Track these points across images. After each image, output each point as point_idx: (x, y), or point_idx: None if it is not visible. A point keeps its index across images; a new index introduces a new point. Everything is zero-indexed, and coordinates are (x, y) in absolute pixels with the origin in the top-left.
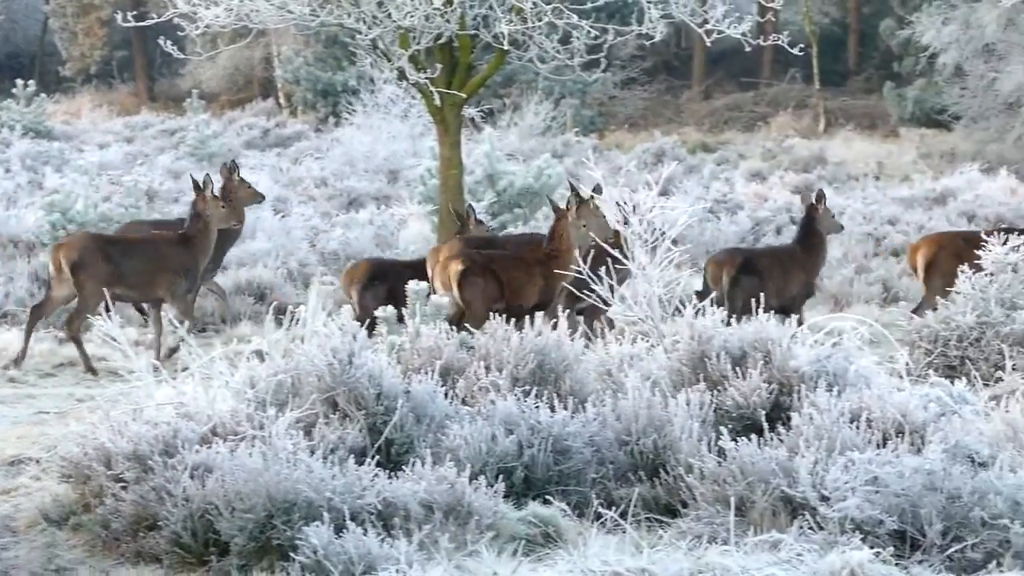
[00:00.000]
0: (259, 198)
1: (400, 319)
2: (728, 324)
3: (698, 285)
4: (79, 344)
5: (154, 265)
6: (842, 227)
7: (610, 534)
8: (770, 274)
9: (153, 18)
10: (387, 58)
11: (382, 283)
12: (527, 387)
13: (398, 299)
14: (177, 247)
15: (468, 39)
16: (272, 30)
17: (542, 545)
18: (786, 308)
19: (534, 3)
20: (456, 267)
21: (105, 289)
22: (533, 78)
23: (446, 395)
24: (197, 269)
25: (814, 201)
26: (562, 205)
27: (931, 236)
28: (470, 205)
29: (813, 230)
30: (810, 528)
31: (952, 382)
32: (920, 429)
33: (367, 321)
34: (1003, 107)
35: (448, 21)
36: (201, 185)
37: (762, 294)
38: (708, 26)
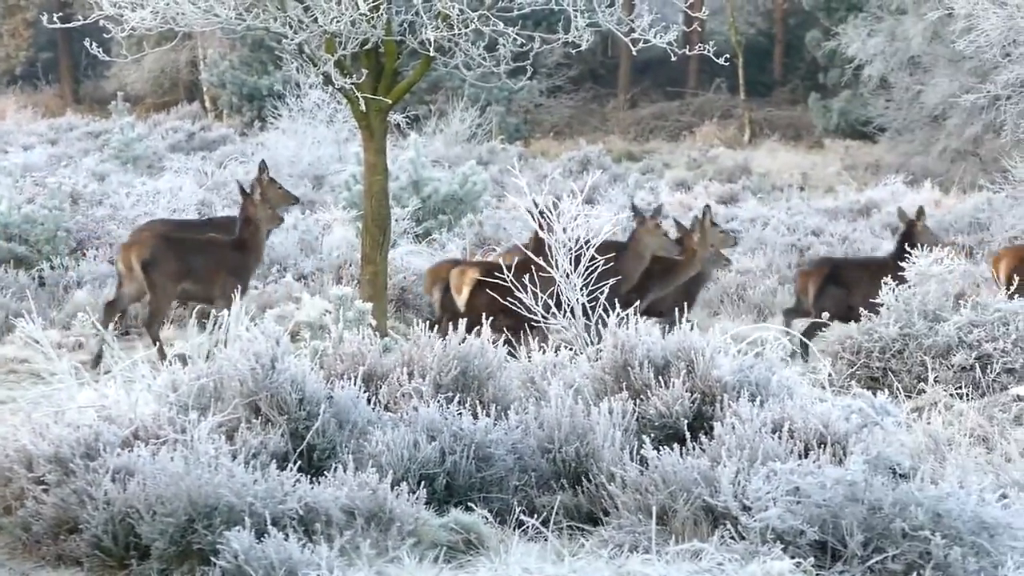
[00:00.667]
0: (292, 200)
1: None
2: (814, 335)
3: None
4: (157, 343)
5: (215, 266)
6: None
7: (532, 542)
8: (858, 285)
9: (79, 20)
10: (313, 63)
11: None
12: (450, 394)
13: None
14: (234, 251)
15: (394, 45)
16: (198, 33)
17: (463, 552)
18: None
19: (461, 10)
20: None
21: (175, 287)
22: (459, 85)
23: (369, 401)
24: (249, 273)
25: (914, 217)
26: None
27: (1015, 247)
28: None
29: (912, 245)
30: (731, 538)
31: (875, 393)
32: (842, 440)
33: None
34: (928, 119)
35: (374, 27)
36: (248, 190)
37: (849, 304)
38: (634, 35)
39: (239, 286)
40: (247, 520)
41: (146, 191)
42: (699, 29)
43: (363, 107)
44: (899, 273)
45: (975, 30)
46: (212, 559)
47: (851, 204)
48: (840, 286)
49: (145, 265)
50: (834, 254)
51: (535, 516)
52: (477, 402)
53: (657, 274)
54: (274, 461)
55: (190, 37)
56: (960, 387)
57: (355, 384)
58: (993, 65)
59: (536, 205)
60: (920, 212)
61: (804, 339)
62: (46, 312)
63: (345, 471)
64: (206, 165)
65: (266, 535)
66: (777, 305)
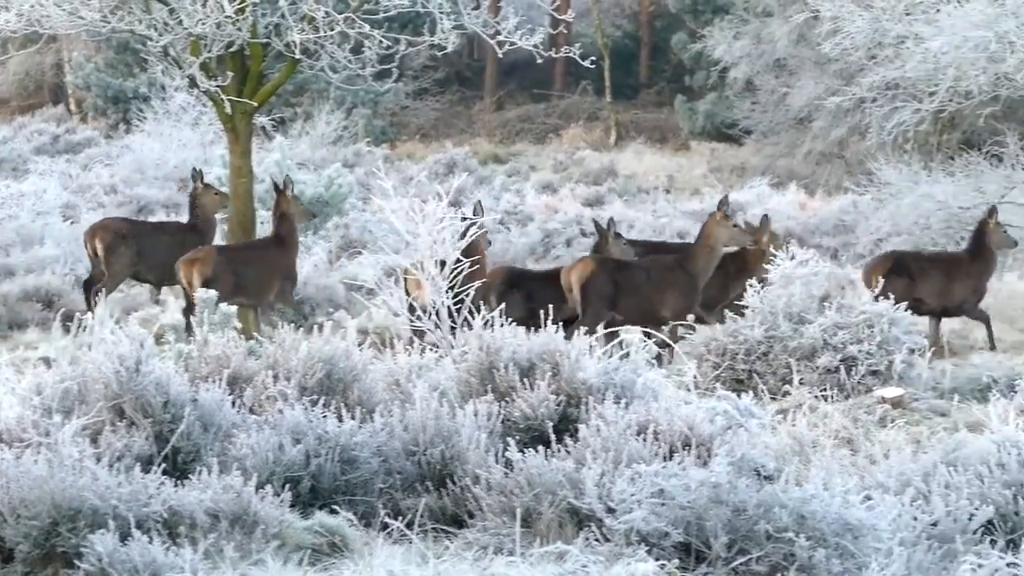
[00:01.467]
0: (309, 216)
1: (535, 325)
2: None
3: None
4: None
5: (268, 270)
6: (1015, 242)
7: (397, 544)
8: (926, 277)
9: None
10: (178, 65)
11: (519, 290)
12: (315, 396)
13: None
14: (276, 250)
15: (260, 47)
16: (63, 35)
17: (328, 555)
18: (949, 310)
19: (326, 12)
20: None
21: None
22: (325, 87)
23: (233, 404)
24: (294, 266)
25: (987, 216)
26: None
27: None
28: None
29: (982, 243)
30: (596, 540)
31: (739, 395)
32: (707, 442)
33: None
34: (793, 122)
35: (240, 29)
36: (282, 186)
37: (916, 296)
38: (500, 37)
39: (290, 285)
40: (111, 523)
41: (10, 193)
42: (565, 32)
43: (228, 109)
44: (971, 267)
45: (841, 33)
46: (76, 562)
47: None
48: (903, 277)
49: (206, 282)
50: (902, 249)
51: (400, 518)
52: (342, 405)
53: (732, 271)
54: (138, 464)
55: (55, 39)
56: (825, 389)
57: (220, 387)
58: (859, 67)
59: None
60: (992, 211)
61: None
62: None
63: (209, 474)
64: (71, 168)
65: (130, 538)
66: None
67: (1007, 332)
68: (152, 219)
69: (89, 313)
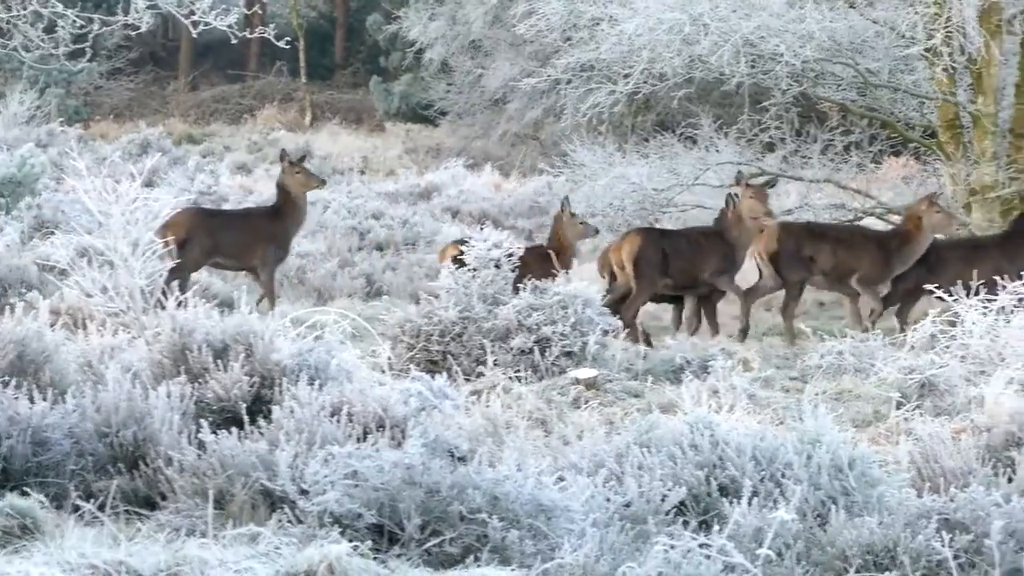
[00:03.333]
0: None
1: None
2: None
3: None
4: None
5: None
6: None
7: (88, 526)
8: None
9: None
10: None
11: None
12: (6, 378)
13: None
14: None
15: None
16: None
17: (19, 537)
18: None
19: None
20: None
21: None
22: (18, 67)
23: None
24: (289, 238)
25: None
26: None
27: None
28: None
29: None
30: (289, 521)
31: (433, 377)
32: (401, 424)
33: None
34: (488, 103)
35: None
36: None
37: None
38: (194, 17)
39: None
40: None
41: None
42: (260, 12)
43: None
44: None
45: (536, 14)
46: None
47: (412, 187)
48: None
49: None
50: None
51: (92, 500)
52: (34, 386)
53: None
54: None
55: None
56: (519, 370)
57: None
58: (554, 49)
59: None
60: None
61: None
62: None
63: None
64: None
65: None
66: (337, 288)
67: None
68: None
69: None
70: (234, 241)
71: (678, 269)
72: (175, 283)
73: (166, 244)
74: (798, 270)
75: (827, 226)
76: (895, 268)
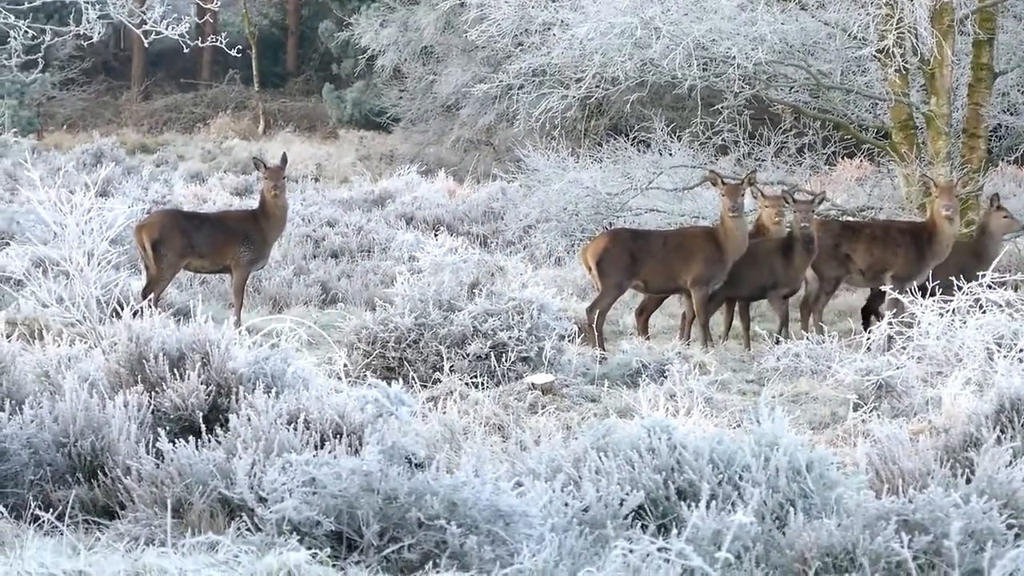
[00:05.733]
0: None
1: None
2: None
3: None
4: None
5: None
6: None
7: (48, 536)
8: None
9: None
10: None
11: None
12: None
13: None
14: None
15: None
16: None
17: None
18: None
19: None
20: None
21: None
22: None
23: None
24: (266, 241)
25: None
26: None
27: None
28: None
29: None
30: (248, 530)
31: (390, 383)
32: (358, 431)
33: None
34: (441, 109)
35: None
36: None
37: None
38: (146, 27)
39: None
40: None
41: None
42: (212, 20)
43: None
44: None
45: (487, 20)
46: None
47: (366, 194)
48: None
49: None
50: None
51: (51, 510)
52: None
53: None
54: None
55: None
56: (476, 376)
57: None
58: (506, 55)
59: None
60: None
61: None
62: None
63: None
64: None
65: None
66: (292, 296)
67: (656, 317)
68: None
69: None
70: (207, 241)
71: (650, 271)
72: (152, 296)
73: (141, 245)
74: (835, 268)
75: (863, 223)
76: (929, 264)
